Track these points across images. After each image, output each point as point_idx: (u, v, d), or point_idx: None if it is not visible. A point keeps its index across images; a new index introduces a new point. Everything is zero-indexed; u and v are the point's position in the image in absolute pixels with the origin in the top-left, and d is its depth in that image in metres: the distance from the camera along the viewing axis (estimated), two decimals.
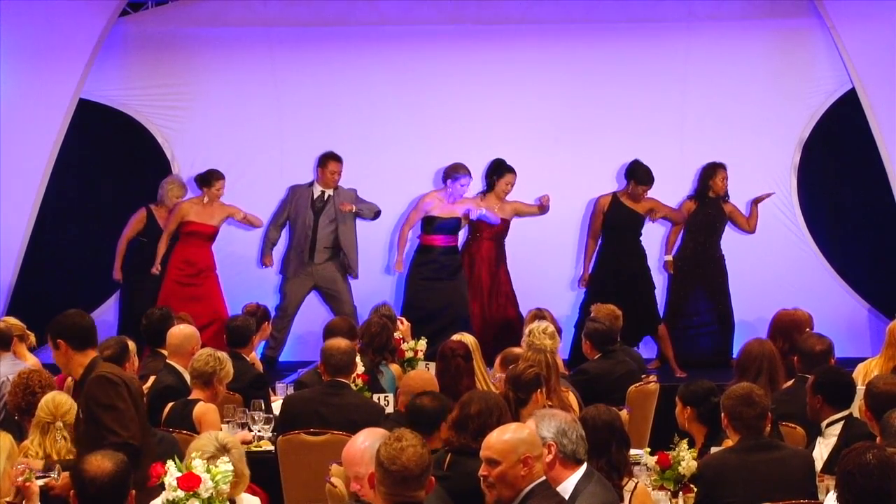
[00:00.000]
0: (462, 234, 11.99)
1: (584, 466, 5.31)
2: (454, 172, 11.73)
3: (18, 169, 12.02)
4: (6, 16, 11.82)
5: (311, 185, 11.84)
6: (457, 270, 11.75)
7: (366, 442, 5.04)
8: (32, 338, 8.93)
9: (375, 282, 12.20)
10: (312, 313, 12.13)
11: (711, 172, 11.90)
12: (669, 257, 11.96)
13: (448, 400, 6.68)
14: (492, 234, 11.87)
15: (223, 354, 7.61)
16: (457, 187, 11.72)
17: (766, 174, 12.42)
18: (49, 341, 6.03)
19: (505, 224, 11.91)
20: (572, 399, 7.52)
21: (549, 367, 7.25)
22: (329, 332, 8.72)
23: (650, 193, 11.86)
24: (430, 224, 11.76)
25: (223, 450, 5.26)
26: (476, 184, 12.02)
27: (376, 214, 11.85)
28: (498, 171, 11.88)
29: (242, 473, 5.25)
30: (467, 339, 8.36)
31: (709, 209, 11.88)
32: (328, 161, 11.72)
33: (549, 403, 7.07)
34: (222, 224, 11.73)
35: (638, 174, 11.76)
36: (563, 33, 12.51)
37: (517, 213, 11.94)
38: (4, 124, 11.94)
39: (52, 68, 12.10)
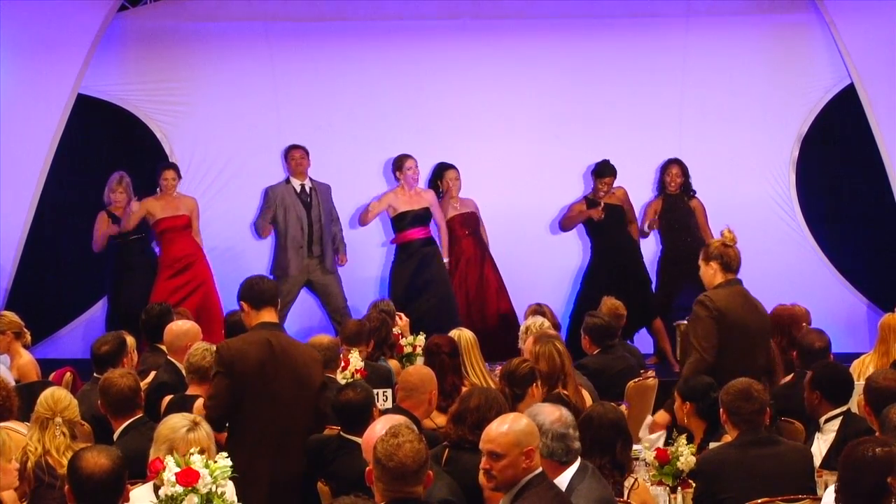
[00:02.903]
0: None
1: (578, 462, 5.32)
2: (398, 163, 11.77)
3: (17, 164, 12.02)
4: (5, 11, 11.81)
5: (287, 181, 11.81)
6: (438, 259, 11.76)
7: (384, 429, 5.03)
8: (28, 336, 8.87)
9: (367, 275, 12.21)
10: (308, 310, 12.14)
11: (664, 168, 11.95)
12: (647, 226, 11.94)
13: (371, 389, 6.71)
14: (469, 231, 11.89)
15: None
16: (407, 175, 11.72)
17: (765, 169, 12.45)
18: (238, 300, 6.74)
19: (473, 216, 11.91)
20: (586, 394, 7.53)
21: (561, 356, 7.28)
22: (347, 338, 8.69)
23: (640, 185, 11.91)
24: (402, 220, 11.72)
25: (195, 423, 5.34)
26: (466, 182, 12.02)
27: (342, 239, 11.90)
28: (438, 173, 11.95)
29: (212, 450, 5.27)
30: (465, 334, 8.34)
31: (674, 206, 11.88)
32: (290, 151, 11.80)
33: (565, 393, 7.13)
34: (195, 213, 11.65)
35: (596, 169, 11.86)
36: (561, 29, 12.52)
37: (476, 207, 11.95)
38: (3, 119, 11.94)
39: (51, 63, 12.10)
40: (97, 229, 11.62)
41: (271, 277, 11.81)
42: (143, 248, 11.70)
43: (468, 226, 11.90)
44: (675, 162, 11.93)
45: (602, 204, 11.76)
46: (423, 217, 11.72)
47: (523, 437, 4.96)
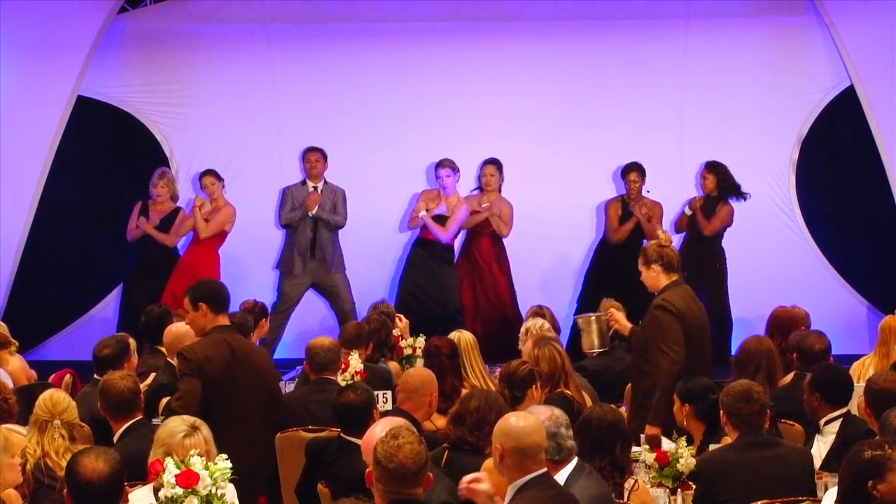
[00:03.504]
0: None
1: (575, 461, 5.35)
2: (436, 168, 11.84)
3: (17, 166, 12.02)
4: (5, 13, 11.81)
5: (303, 183, 11.87)
6: (448, 263, 11.79)
7: (384, 431, 5.03)
8: (14, 345, 8.81)
9: (372, 276, 12.21)
10: (311, 311, 12.14)
11: (702, 171, 11.96)
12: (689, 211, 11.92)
13: (372, 391, 6.71)
14: (490, 231, 11.90)
15: None
16: (440, 180, 11.77)
17: (765, 171, 12.44)
18: (188, 302, 6.79)
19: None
20: (586, 395, 7.54)
21: (561, 356, 7.32)
22: (346, 341, 8.69)
23: (654, 196, 11.93)
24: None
25: (194, 428, 5.34)
26: (466, 183, 12.02)
27: (336, 227, 11.85)
28: (481, 167, 11.95)
29: (211, 452, 5.27)
30: (465, 336, 8.34)
31: (705, 208, 11.87)
32: (306, 153, 11.88)
33: (567, 392, 7.16)
34: (219, 217, 11.71)
35: (624, 167, 11.89)
36: (561, 30, 12.52)
37: (501, 214, 11.96)
38: (3, 121, 11.93)
39: (51, 65, 12.10)
40: (130, 219, 11.72)
41: (276, 271, 11.94)
42: (163, 249, 11.73)
43: (488, 226, 11.92)
44: (706, 165, 11.91)
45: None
46: (444, 223, 11.77)
47: (497, 435, 5.01)
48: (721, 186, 11.83)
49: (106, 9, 12.22)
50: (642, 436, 7.01)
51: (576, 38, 12.55)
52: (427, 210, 11.78)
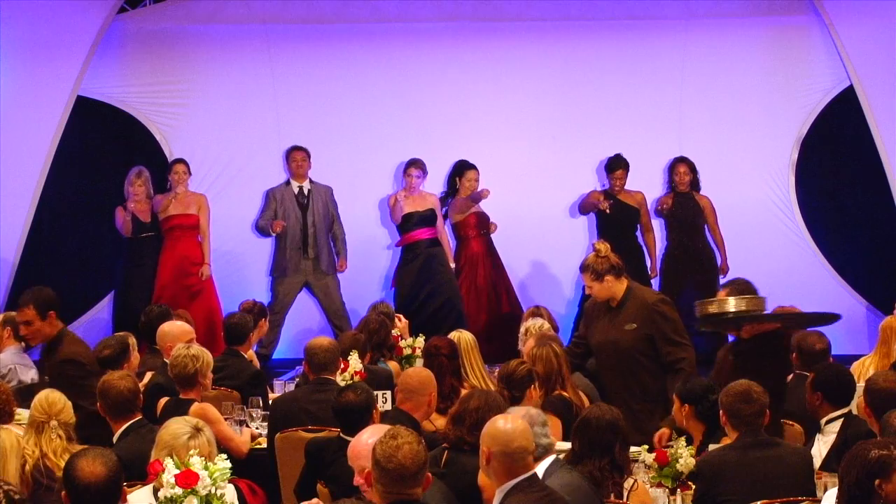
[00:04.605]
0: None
1: (552, 458, 5.42)
2: (405, 167, 11.83)
3: (17, 166, 12.02)
4: (5, 13, 11.81)
5: (287, 183, 11.85)
6: (444, 260, 11.78)
7: (371, 438, 5.02)
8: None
9: (366, 277, 12.21)
10: (309, 311, 12.14)
11: (672, 167, 11.95)
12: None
13: (372, 391, 6.71)
14: (477, 233, 11.90)
15: (197, 348, 7.55)
16: (410, 180, 11.76)
17: (764, 172, 12.45)
18: (35, 312, 7.08)
19: (486, 217, 11.91)
20: (583, 396, 7.55)
21: (558, 358, 7.33)
22: (342, 351, 8.68)
23: (640, 187, 11.93)
24: (409, 221, 11.77)
25: (197, 430, 5.32)
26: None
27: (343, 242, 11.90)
28: (458, 171, 11.92)
29: (213, 454, 5.26)
30: (464, 336, 8.35)
31: (684, 204, 11.87)
32: (291, 152, 11.88)
33: (565, 394, 7.19)
34: (204, 211, 11.67)
35: (608, 163, 11.88)
36: (560, 31, 12.53)
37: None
38: (3, 122, 11.92)
39: (51, 65, 12.10)
40: (118, 222, 11.64)
41: (269, 278, 11.93)
42: (154, 246, 11.71)
43: (482, 226, 11.92)
44: (682, 160, 11.94)
45: (610, 201, 11.75)
46: (428, 218, 11.76)
47: (484, 438, 5.05)
48: (694, 179, 11.90)
49: (106, 9, 12.23)
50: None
51: (575, 40, 12.55)
52: (400, 209, 11.77)
